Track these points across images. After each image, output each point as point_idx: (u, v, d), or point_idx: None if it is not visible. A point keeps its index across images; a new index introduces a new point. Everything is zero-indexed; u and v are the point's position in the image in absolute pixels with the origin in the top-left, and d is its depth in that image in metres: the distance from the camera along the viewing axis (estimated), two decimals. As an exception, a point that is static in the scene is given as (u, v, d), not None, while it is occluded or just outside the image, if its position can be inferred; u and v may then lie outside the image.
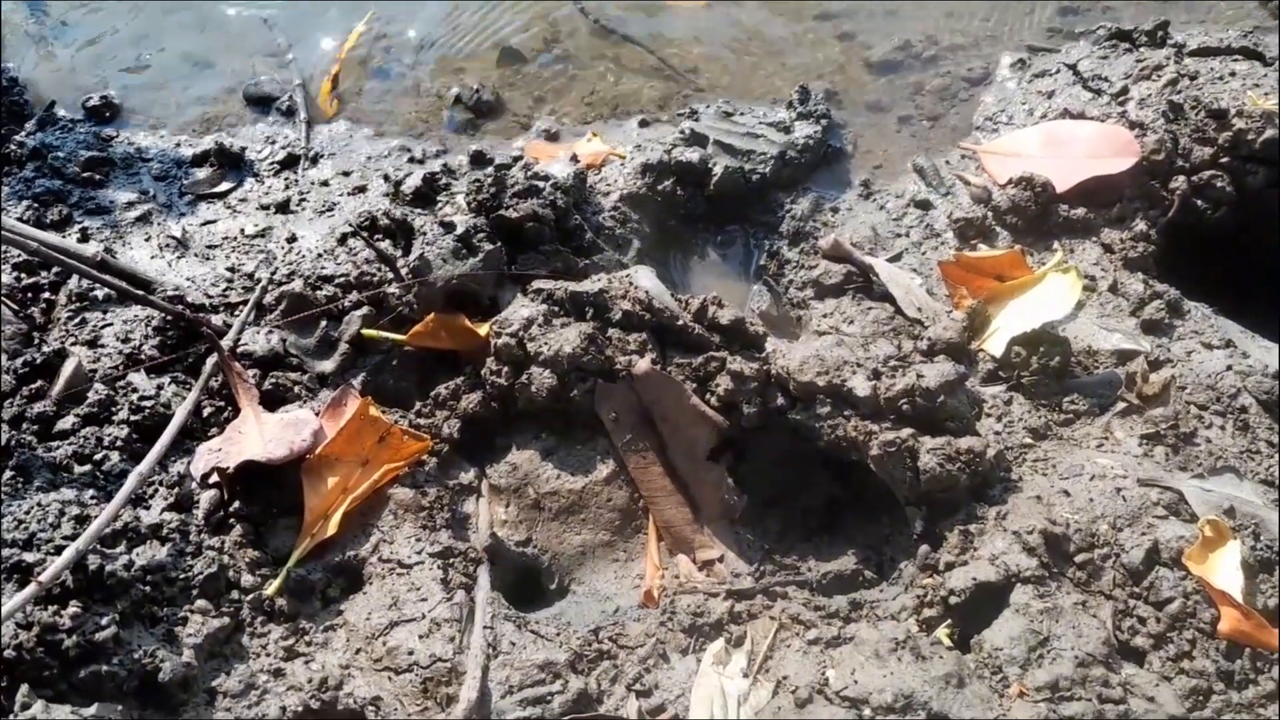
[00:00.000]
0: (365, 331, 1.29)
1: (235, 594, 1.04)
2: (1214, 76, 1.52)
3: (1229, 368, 1.19)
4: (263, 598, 1.04)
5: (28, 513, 1.02)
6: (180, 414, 1.15)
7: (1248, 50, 1.57)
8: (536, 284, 1.26)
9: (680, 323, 1.17)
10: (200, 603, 1.02)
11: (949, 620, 0.95)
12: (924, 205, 1.52)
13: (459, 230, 1.28)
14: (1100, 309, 1.31)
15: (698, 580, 1.11)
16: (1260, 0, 1.78)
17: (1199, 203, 1.41)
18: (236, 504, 1.11)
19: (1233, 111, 1.41)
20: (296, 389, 1.26)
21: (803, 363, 1.11)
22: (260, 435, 1.16)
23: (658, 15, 1.87)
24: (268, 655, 1.01)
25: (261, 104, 1.72)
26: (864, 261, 1.33)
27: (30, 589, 0.86)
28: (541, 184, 1.37)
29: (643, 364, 1.14)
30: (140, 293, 1.24)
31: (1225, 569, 0.91)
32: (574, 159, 1.54)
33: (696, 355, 1.16)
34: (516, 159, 1.59)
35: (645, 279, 1.20)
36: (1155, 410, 1.12)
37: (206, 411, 1.22)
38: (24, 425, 1.16)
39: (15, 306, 1.33)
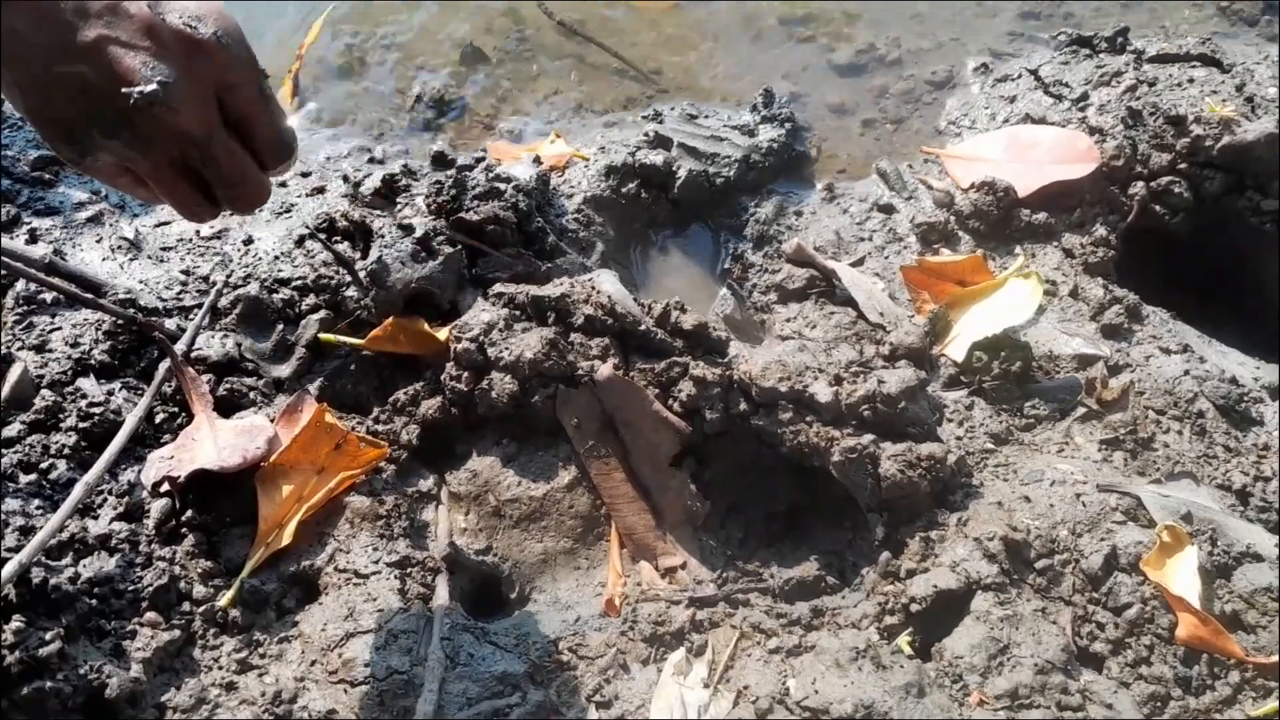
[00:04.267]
0: (323, 336, 1.27)
1: (187, 606, 1.02)
2: (1172, 83, 1.53)
3: (1186, 372, 1.20)
4: (215, 609, 1.01)
5: (-32, 525, 0.98)
6: (131, 421, 1.12)
7: (1205, 57, 1.58)
8: (497, 288, 1.25)
9: (643, 328, 1.16)
10: (150, 615, 0.99)
11: (910, 628, 0.95)
12: (887, 209, 1.53)
13: (418, 233, 1.26)
14: (1061, 313, 1.32)
15: (660, 588, 1.10)
16: (1219, 6, 1.80)
17: (1158, 208, 1.43)
18: (189, 513, 1.08)
19: (1190, 118, 1.43)
20: (252, 394, 1.23)
21: (765, 368, 1.10)
22: (214, 442, 1.14)
23: (622, 15, 1.85)
24: (220, 668, 0.98)
25: (218, 102, 1.69)
26: (827, 266, 1.33)
27: (-31, 605, 0.83)
28: (503, 186, 1.36)
29: (605, 369, 1.13)
30: (89, 296, 1.21)
31: (1182, 575, 0.92)
32: (537, 161, 1.52)
33: (659, 360, 1.15)
34: (479, 160, 1.57)
35: (608, 284, 1.19)
36: (1114, 416, 1.12)
37: (159, 418, 1.19)
38: (-33, 434, 1.13)
39: (-41, 310, 1.29)
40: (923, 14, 1.83)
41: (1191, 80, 1.53)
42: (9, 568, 0.89)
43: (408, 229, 1.27)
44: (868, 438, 1.03)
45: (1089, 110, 1.53)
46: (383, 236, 1.28)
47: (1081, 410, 1.14)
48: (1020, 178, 1.45)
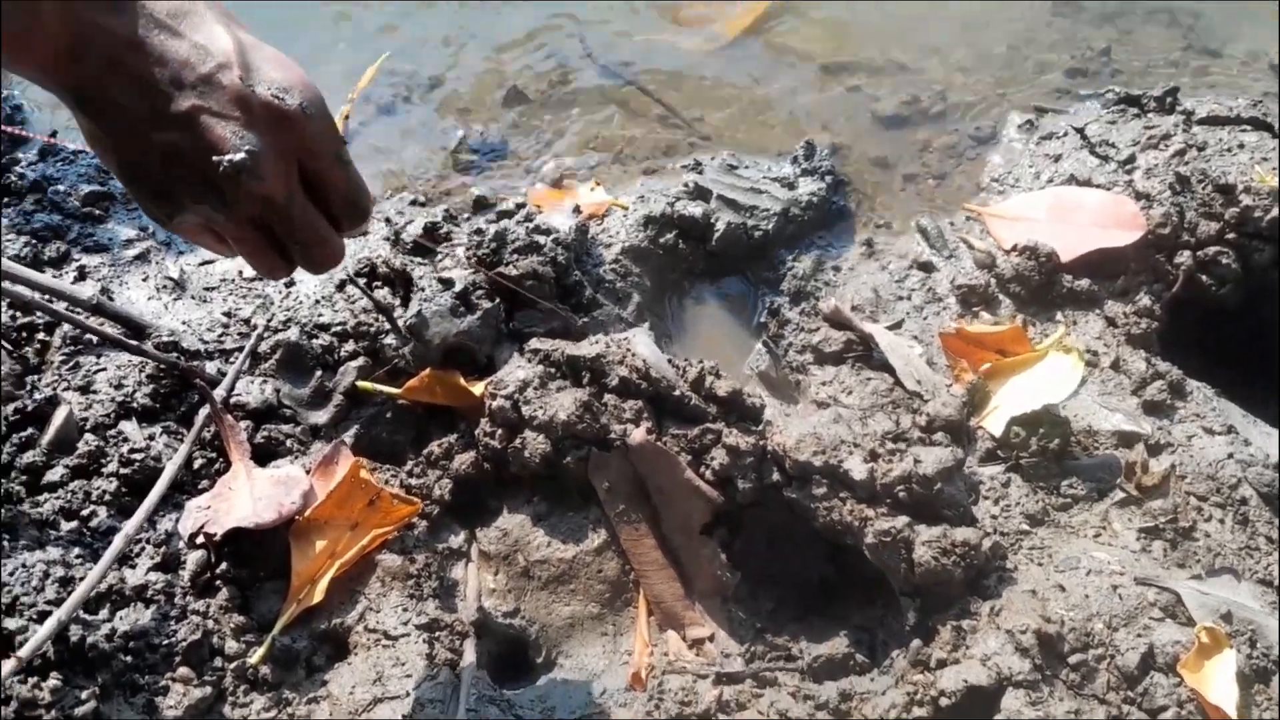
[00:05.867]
0: (360, 384, 1.28)
1: (218, 661, 1.03)
2: (1222, 148, 1.51)
3: (1230, 456, 1.18)
4: (246, 666, 1.02)
5: (12, 574, 1.00)
6: (169, 471, 1.14)
7: (1257, 121, 1.56)
8: (534, 343, 1.25)
9: (677, 393, 1.16)
10: (182, 670, 1.01)
11: (939, 721, 0.94)
12: (927, 267, 1.52)
13: (457, 287, 1.27)
14: (1102, 386, 1.30)
15: (687, 659, 1.09)
16: (1271, 64, 1.77)
17: (1204, 278, 1.41)
18: (223, 566, 1.10)
19: (1240, 187, 1.41)
20: (289, 442, 1.25)
21: (799, 441, 1.09)
22: (250, 493, 1.15)
23: (666, 58, 1.86)
24: (249, 727, 1.00)
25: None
26: (864, 330, 1.32)
27: (10, 665, 0.85)
28: (542, 239, 1.36)
29: (638, 434, 1.13)
30: (134, 343, 1.23)
31: (1220, 681, 0.90)
32: (576, 210, 1.53)
33: (693, 426, 1.15)
34: (519, 205, 1.58)
35: (643, 346, 1.19)
36: (1154, 502, 1.11)
37: (197, 463, 1.21)
38: (13, 474, 1.15)
39: (9, 346, 1.32)
40: (968, 66, 1.82)
41: (1242, 145, 1.51)
42: (47, 626, 0.90)
43: (448, 283, 1.28)
44: (902, 520, 1.02)
45: (1136, 174, 1.51)
46: (423, 289, 1.29)
47: (1120, 495, 1.13)
48: (1064, 241, 1.44)
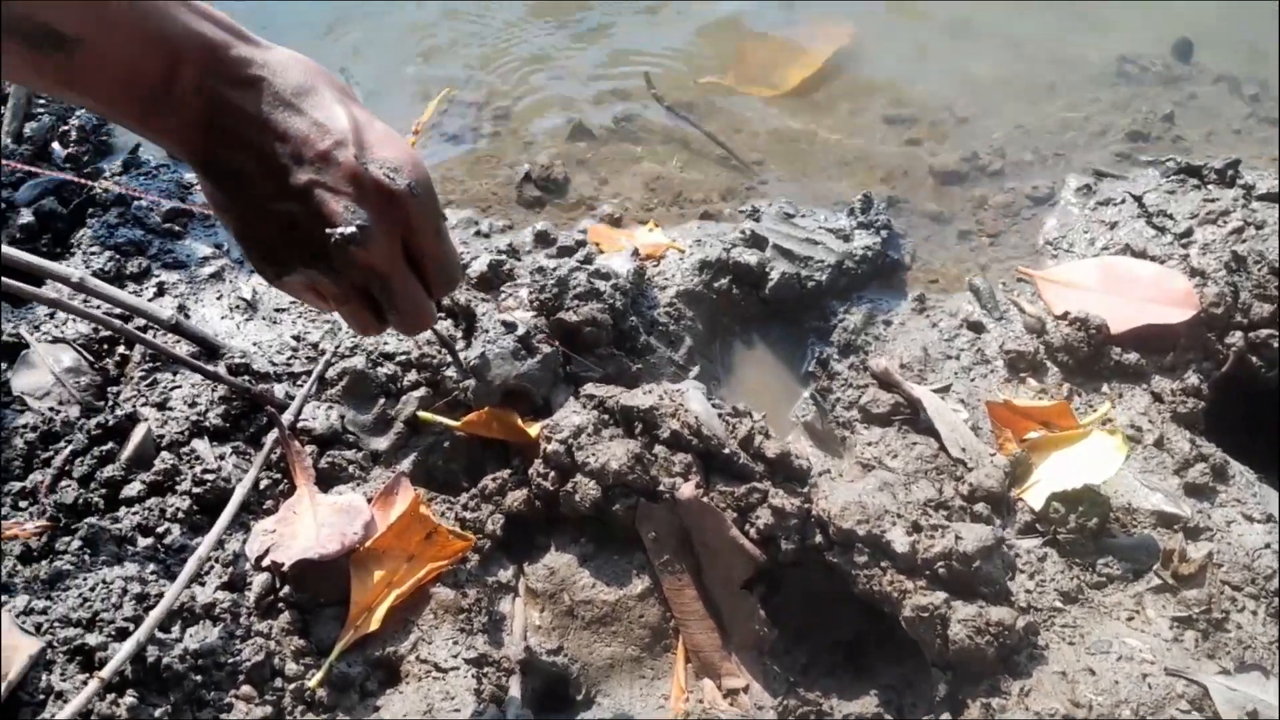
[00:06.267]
0: (421, 414, 1.34)
1: (279, 682, 1.09)
2: (1280, 228, 1.52)
3: (1268, 545, 1.20)
4: (305, 688, 1.08)
5: (93, 589, 1.07)
6: (239, 494, 1.20)
7: (1317, 199, 1.56)
8: (589, 388, 1.30)
9: (726, 450, 1.20)
10: (245, 689, 1.07)
11: (965, 797, 0.97)
12: (977, 328, 1.54)
13: (519, 331, 1.31)
14: (1144, 464, 1.32)
15: (721, 709, 1.13)
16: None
17: (1254, 359, 1.42)
18: (286, 589, 1.15)
19: (1296, 272, 1.42)
20: (351, 468, 1.30)
21: (844, 508, 1.13)
22: (314, 520, 1.21)
23: (728, 102, 1.89)
24: (304, 748, 1.05)
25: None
26: (912, 395, 1.35)
27: (93, 686, 0.91)
28: (602, 285, 1.41)
29: (686, 489, 1.17)
30: (209, 369, 1.29)
31: (1243, 780, 0.93)
32: (635, 253, 1.57)
33: (740, 484, 1.19)
34: (580, 243, 1.63)
35: (696, 402, 1.23)
36: (1189, 591, 1.13)
37: (263, 484, 1.26)
38: (92, 485, 1.21)
39: (91, 358, 1.39)
40: (1028, 125, 1.83)
41: (1301, 226, 1.52)
42: (126, 646, 0.96)
43: (510, 326, 1.33)
44: (940, 596, 1.06)
45: (1192, 249, 1.53)
46: (486, 330, 1.34)
47: (1156, 580, 1.15)
48: (1114, 313, 1.45)
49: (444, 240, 0.79)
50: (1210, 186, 1.64)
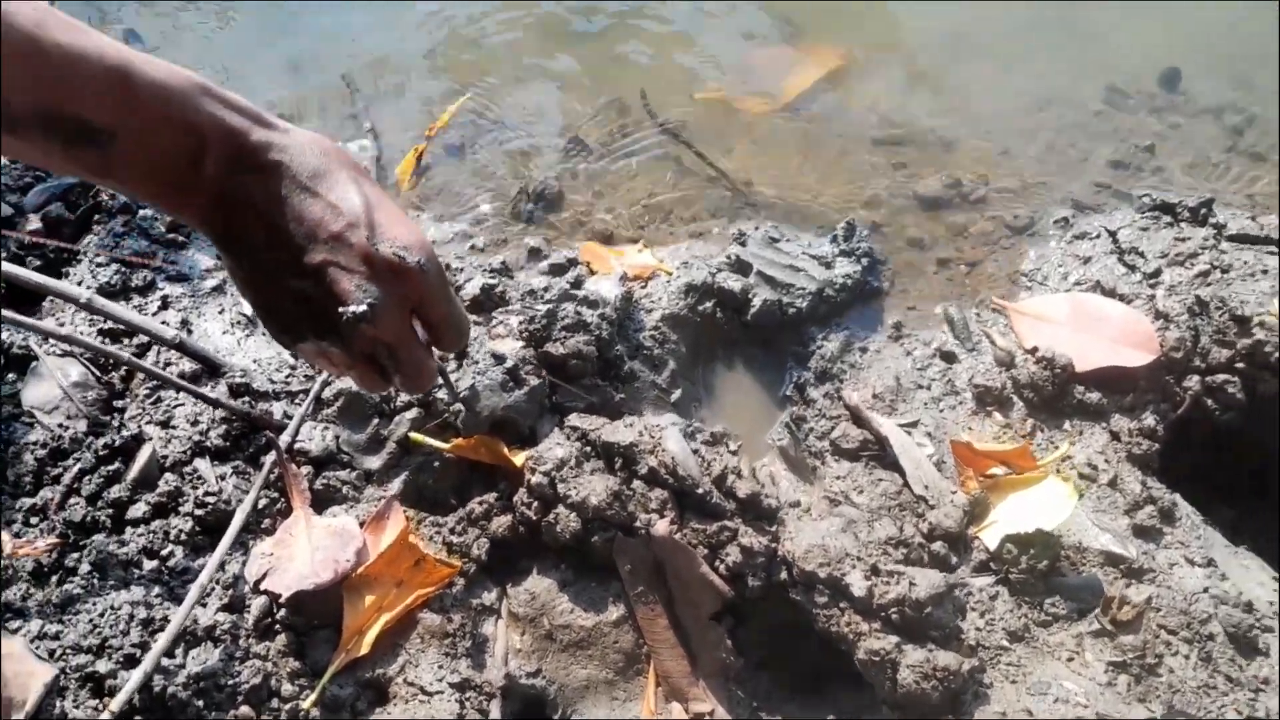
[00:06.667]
0: (412, 435, 1.40)
1: (275, 702, 1.17)
2: (1246, 272, 1.57)
3: (1205, 590, 1.28)
4: (299, 709, 1.16)
5: (102, 615, 1.14)
6: (238, 518, 1.27)
7: (1284, 242, 1.61)
8: (573, 419, 1.36)
9: (700, 490, 1.27)
10: (244, 710, 1.15)
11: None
12: (949, 357, 1.60)
13: (508, 364, 1.37)
14: (1097, 502, 1.40)
15: (687, 731, 1.22)
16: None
17: (1209, 402, 1.48)
18: (282, 612, 1.23)
19: (1255, 320, 1.47)
20: (345, 489, 1.37)
21: (807, 551, 1.20)
22: (309, 542, 1.28)
23: (722, 118, 1.93)
24: (299, 764, 1.14)
25: (336, 171, 1.81)
26: (880, 432, 1.42)
27: (105, 718, 0.99)
28: (590, 315, 1.46)
29: (661, 526, 1.24)
30: (211, 396, 1.35)
31: (1157, 827, 1.01)
32: (623, 278, 1.62)
33: (712, 522, 1.26)
34: (571, 261, 1.68)
35: (673, 442, 1.29)
36: (1126, 637, 1.21)
37: (262, 503, 1.34)
38: (99, 504, 1.28)
39: (97, 372, 1.45)
40: (1013, 150, 1.87)
41: (1265, 271, 1.57)
42: (134, 678, 1.04)
43: (499, 358, 1.39)
44: (891, 641, 1.13)
45: (1159, 289, 1.58)
46: (476, 362, 1.40)
47: (1096, 625, 1.23)
48: (1080, 351, 1.51)
49: (453, 305, 0.85)
50: (1183, 224, 1.69)
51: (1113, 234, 1.70)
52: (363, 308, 0.76)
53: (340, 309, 0.76)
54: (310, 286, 0.78)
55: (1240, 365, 1.47)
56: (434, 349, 0.89)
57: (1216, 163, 1.84)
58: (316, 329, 0.80)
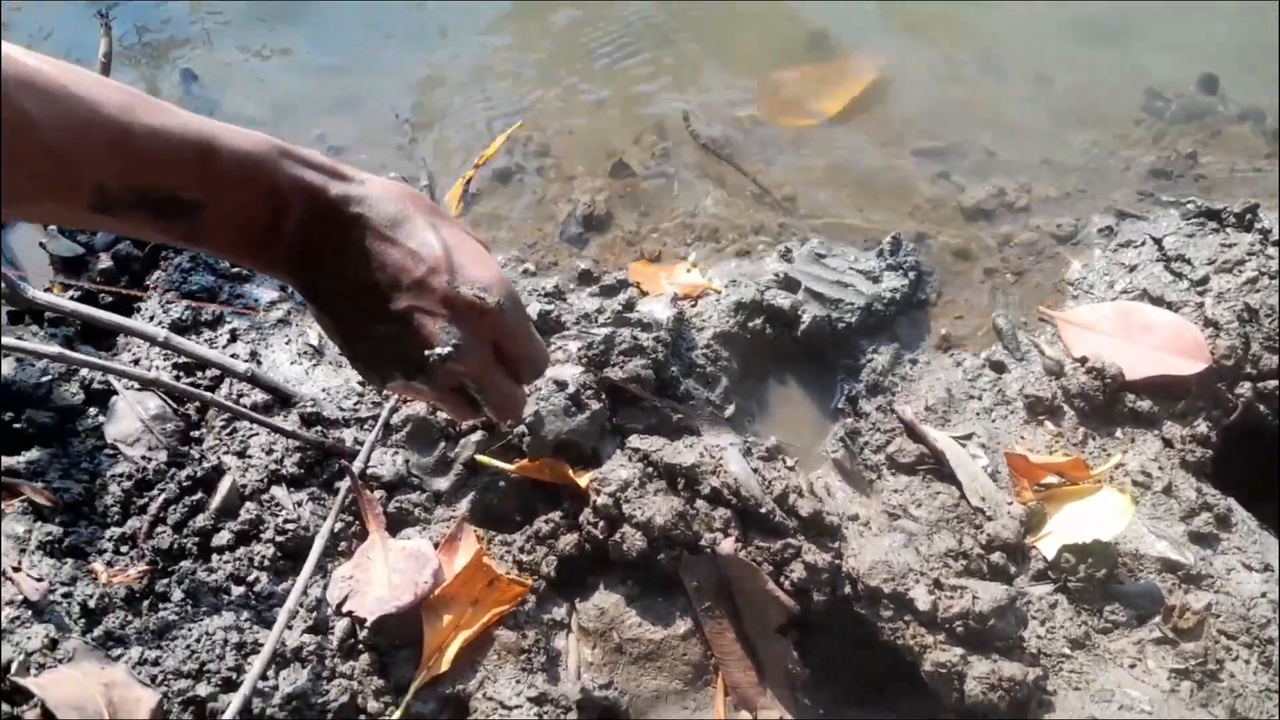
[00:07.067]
0: (479, 457, 1.45)
1: (362, 719, 1.22)
2: (1293, 277, 1.59)
3: (1264, 595, 1.30)
4: (385, 726, 1.21)
5: (198, 641, 1.20)
6: (318, 544, 1.31)
7: (1331, 244, 1.63)
8: (634, 441, 1.40)
9: (763, 510, 1.30)
10: (334, 727, 1.20)
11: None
12: (999, 368, 1.63)
13: (570, 389, 1.42)
14: (1152, 510, 1.42)
15: (757, 741, 1.26)
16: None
17: (1261, 408, 1.50)
18: (365, 632, 1.28)
19: (1305, 325, 1.49)
20: (416, 510, 1.42)
21: (871, 568, 1.24)
22: (386, 565, 1.33)
23: (764, 134, 1.96)
24: (387, 780, 1.19)
25: (390, 200, 1.87)
26: (936, 446, 1.45)
27: (212, 740, 1.04)
28: (645, 338, 1.50)
29: (726, 545, 1.28)
30: (287, 428, 1.41)
31: (1226, 831, 1.04)
32: (674, 298, 1.66)
33: (775, 540, 1.30)
34: (622, 282, 1.72)
35: (735, 464, 1.33)
36: (1187, 645, 1.23)
37: (338, 527, 1.39)
38: (185, 532, 1.34)
39: (174, 404, 1.51)
40: (1054, 160, 1.89)
41: (1313, 275, 1.58)
42: (237, 700, 1.10)
43: (561, 384, 1.43)
44: (957, 653, 1.17)
45: (1207, 297, 1.60)
46: (539, 389, 1.44)
47: (1157, 633, 1.25)
48: (1129, 361, 1.54)
49: (532, 340, 0.89)
50: (1229, 230, 1.71)
51: (1158, 241, 1.72)
52: (447, 349, 0.80)
53: (425, 352, 0.80)
54: (396, 330, 0.82)
55: (1291, 370, 1.49)
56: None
57: (1258, 168, 1.85)
58: (405, 370, 0.84)
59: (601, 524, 1.35)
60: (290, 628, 1.27)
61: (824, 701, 1.31)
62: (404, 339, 0.82)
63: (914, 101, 2.01)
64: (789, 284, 1.70)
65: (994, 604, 1.19)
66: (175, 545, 1.31)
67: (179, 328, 1.60)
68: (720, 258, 1.79)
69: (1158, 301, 1.63)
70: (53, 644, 1.14)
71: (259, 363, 1.57)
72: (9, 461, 1.38)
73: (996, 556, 1.33)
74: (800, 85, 2.03)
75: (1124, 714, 1.16)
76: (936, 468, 1.45)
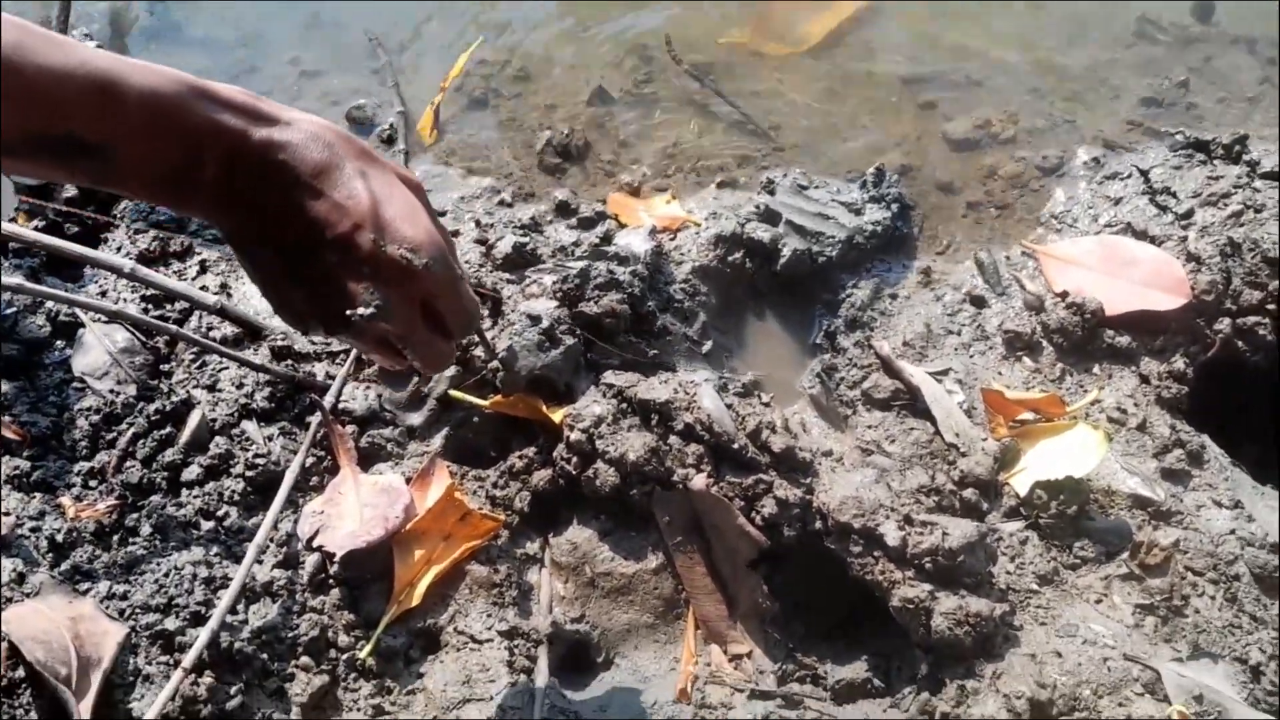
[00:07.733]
0: (452, 392, 1.44)
1: (333, 653, 1.23)
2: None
3: (1232, 532, 1.30)
4: (356, 658, 1.22)
5: (166, 575, 1.20)
6: (289, 479, 1.31)
7: (1320, 178, 1.60)
8: (608, 377, 1.39)
9: (736, 445, 1.30)
10: (304, 660, 1.20)
11: (938, 769, 1.11)
12: (979, 302, 1.61)
13: (544, 324, 1.40)
14: (1126, 446, 1.42)
15: (726, 673, 1.27)
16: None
17: (1240, 344, 1.49)
18: (335, 567, 1.28)
19: (1288, 260, 1.47)
20: (389, 446, 1.41)
21: (842, 503, 1.24)
22: (358, 499, 1.33)
23: (748, 63, 1.91)
24: (359, 711, 1.20)
25: (363, 127, 1.82)
26: (912, 382, 1.44)
27: (177, 675, 1.04)
28: (622, 273, 1.48)
29: (698, 481, 1.28)
30: (257, 362, 1.39)
31: (1182, 761, 1.06)
32: (652, 231, 1.63)
33: (747, 475, 1.30)
34: (600, 214, 1.68)
35: (708, 399, 1.32)
36: (1153, 581, 1.24)
37: (309, 462, 1.38)
38: (154, 466, 1.33)
39: (143, 337, 1.49)
40: (1042, 88, 1.85)
41: (1299, 210, 1.56)
42: (202, 636, 1.10)
43: (535, 319, 1.41)
44: (925, 589, 1.17)
45: (1191, 231, 1.57)
46: (512, 323, 1.42)
47: (1124, 569, 1.26)
48: (1110, 295, 1.52)
49: (461, 296, 0.85)
50: (1216, 162, 1.67)
51: (1145, 174, 1.69)
52: (370, 310, 0.76)
53: (348, 312, 0.77)
54: (320, 285, 0.78)
55: (1271, 306, 1.48)
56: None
57: (1250, 96, 1.81)
58: (328, 325, 0.80)
59: (575, 459, 1.35)
60: (260, 562, 1.27)
61: (793, 635, 1.32)
62: (328, 294, 0.79)
63: (903, 29, 1.95)
64: (770, 216, 1.67)
65: (964, 540, 1.19)
66: (144, 479, 1.31)
67: (146, 259, 1.57)
68: (701, 189, 1.76)
69: (1141, 235, 1.60)
70: (20, 578, 1.14)
71: (229, 295, 1.54)
72: (-27, 395, 1.36)
73: (969, 493, 1.33)
74: (788, 10, 1.97)
75: (1087, 649, 1.18)
76: (912, 403, 1.45)
